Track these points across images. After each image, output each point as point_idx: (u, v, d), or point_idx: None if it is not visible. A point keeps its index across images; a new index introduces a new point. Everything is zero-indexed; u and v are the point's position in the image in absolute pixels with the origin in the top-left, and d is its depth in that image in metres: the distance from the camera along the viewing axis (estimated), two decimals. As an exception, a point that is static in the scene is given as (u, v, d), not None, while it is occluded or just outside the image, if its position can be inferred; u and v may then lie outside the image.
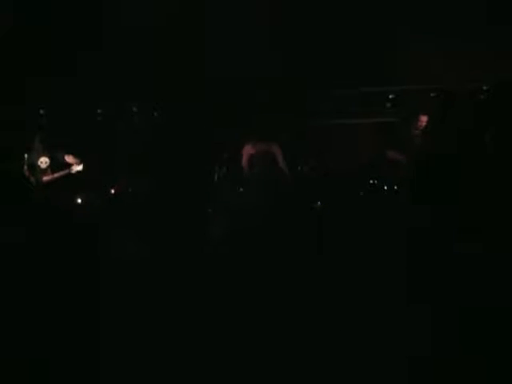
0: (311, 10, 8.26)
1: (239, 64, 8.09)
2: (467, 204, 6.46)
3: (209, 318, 4.12)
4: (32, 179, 7.43)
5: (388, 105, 8.20)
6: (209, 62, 8.11)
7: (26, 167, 7.44)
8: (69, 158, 7.51)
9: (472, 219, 6.15)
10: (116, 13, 7.90)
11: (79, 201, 7.74)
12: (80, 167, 7.52)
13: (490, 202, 6.47)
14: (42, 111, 7.89)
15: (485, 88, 7.90)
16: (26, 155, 7.41)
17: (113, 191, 7.94)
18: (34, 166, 7.47)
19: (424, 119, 7.44)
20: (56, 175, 7.52)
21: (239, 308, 4.30)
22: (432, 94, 8.05)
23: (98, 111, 8.15)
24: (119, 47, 7.93)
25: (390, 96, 8.13)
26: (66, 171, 7.51)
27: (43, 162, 7.54)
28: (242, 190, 7.66)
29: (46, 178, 7.50)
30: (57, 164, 7.55)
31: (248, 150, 7.29)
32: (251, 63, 8.09)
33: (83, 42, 7.77)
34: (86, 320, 4.13)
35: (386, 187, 7.37)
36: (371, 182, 7.37)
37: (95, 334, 3.88)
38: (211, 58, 8.09)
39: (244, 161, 7.33)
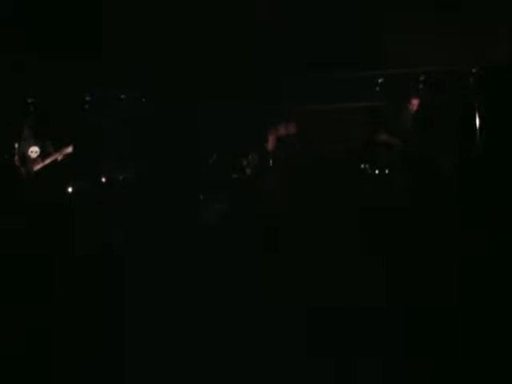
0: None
1: (228, 49, 8.04)
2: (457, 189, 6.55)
3: (202, 307, 4.14)
4: (22, 170, 7.37)
5: (377, 89, 8.18)
6: (197, 47, 8.04)
7: (16, 158, 7.39)
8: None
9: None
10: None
11: (70, 189, 7.71)
12: (69, 149, 7.46)
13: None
14: (29, 100, 7.74)
15: (474, 71, 7.91)
16: (15, 146, 7.36)
17: (104, 179, 7.90)
18: (24, 157, 7.41)
19: (415, 103, 7.48)
20: (46, 161, 7.46)
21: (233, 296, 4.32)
22: (421, 78, 8.05)
23: (86, 99, 8.03)
24: (108, 32, 7.85)
25: (379, 80, 8.11)
26: (56, 155, 7.45)
27: (33, 151, 7.48)
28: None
29: (36, 167, 7.45)
30: (46, 152, 7.50)
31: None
32: (239, 47, 8.04)
33: (73, 27, 7.66)
34: (81, 310, 4.15)
35: (376, 171, 7.41)
36: (362, 166, 7.40)
37: (92, 325, 3.89)
38: (199, 44, 8.02)
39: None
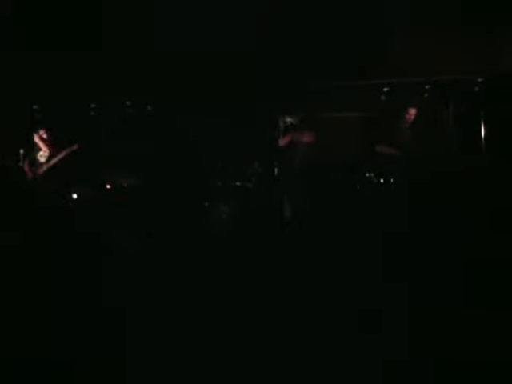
0: (304, 3, 8.23)
1: (234, 58, 8.07)
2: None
3: (208, 310, 4.14)
4: (30, 174, 7.41)
5: (382, 97, 8.18)
6: (203, 56, 8.06)
7: (25, 163, 7.42)
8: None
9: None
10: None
11: (75, 196, 7.73)
12: (75, 147, 7.48)
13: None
14: (35, 106, 7.78)
15: (480, 80, 7.91)
16: (21, 151, 7.38)
17: (108, 186, 7.91)
18: (34, 161, 7.46)
19: (413, 112, 7.46)
20: (52, 162, 7.49)
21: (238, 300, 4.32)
22: (426, 87, 8.05)
23: (92, 106, 8.05)
24: (114, 41, 7.87)
25: (385, 89, 8.11)
26: (62, 154, 7.48)
27: (42, 155, 7.52)
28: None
29: (42, 169, 7.48)
30: (52, 155, 7.53)
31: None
32: (244, 55, 8.06)
33: (78, 34, 7.68)
34: (85, 313, 4.14)
35: (382, 180, 7.40)
36: (367, 175, 7.40)
37: (95, 328, 3.88)
38: (205, 53, 8.04)
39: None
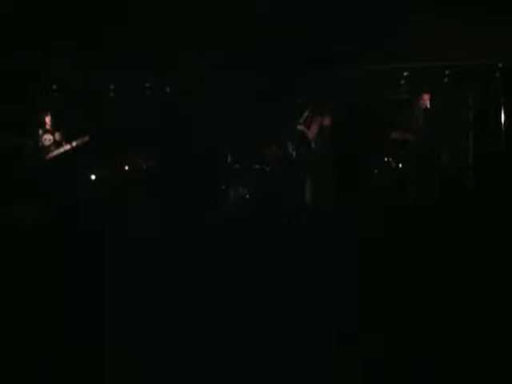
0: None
1: (252, 40, 8.00)
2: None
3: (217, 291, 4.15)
4: (34, 155, 7.42)
5: (402, 82, 8.13)
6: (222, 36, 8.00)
7: (29, 143, 7.44)
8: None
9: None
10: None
11: (93, 177, 7.76)
12: (86, 138, 7.49)
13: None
14: (54, 86, 7.77)
15: (500, 66, 7.84)
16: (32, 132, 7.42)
17: (127, 167, 7.94)
18: (37, 143, 7.45)
19: (426, 98, 7.45)
20: (61, 150, 7.50)
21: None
22: (446, 72, 7.99)
23: (111, 87, 8.03)
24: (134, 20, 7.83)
25: (405, 73, 8.05)
26: (71, 144, 7.49)
27: (47, 139, 7.51)
28: None
29: (50, 155, 7.49)
30: (60, 141, 7.54)
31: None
32: (264, 39, 8.00)
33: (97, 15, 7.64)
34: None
35: (400, 165, 7.41)
36: (386, 159, 7.40)
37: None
38: (227, 32, 7.98)
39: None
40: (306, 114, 7.51)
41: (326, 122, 7.48)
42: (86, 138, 7.53)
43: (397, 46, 7.95)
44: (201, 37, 7.79)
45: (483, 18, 7.83)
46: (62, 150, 7.51)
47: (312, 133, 7.43)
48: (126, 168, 7.91)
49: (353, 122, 7.73)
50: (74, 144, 7.49)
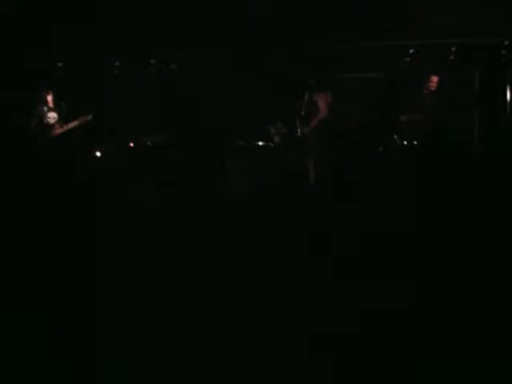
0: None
1: (253, 19, 8.00)
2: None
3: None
4: (39, 133, 7.45)
5: (407, 59, 8.10)
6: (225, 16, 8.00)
7: (34, 121, 7.46)
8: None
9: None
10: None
11: (98, 154, 7.79)
12: (89, 117, 7.51)
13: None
14: (60, 64, 7.79)
15: (506, 43, 7.80)
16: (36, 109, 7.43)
17: (131, 144, 7.96)
18: (42, 121, 7.47)
19: (435, 80, 7.42)
20: (65, 127, 7.53)
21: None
22: (452, 49, 7.95)
23: (116, 64, 8.04)
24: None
25: (411, 50, 8.02)
26: (75, 122, 7.51)
27: (51, 117, 7.53)
28: None
29: (55, 132, 7.52)
30: (64, 119, 7.56)
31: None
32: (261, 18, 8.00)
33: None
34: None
35: (405, 143, 7.40)
36: (394, 137, 7.39)
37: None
38: (229, 11, 7.98)
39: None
40: (306, 96, 7.40)
41: (329, 99, 7.43)
42: (89, 117, 7.54)
43: (398, 23, 7.93)
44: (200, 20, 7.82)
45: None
46: (66, 128, 7.54)
47: (322, 111, 7.34)
48: (131, 145, 7.94)
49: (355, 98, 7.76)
50: (78, 122, 7.51)
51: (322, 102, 7.35)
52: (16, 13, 7.96)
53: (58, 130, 7.55)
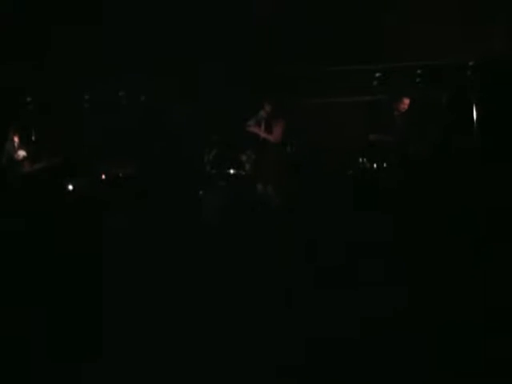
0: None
1: (228, 44, 8.08)
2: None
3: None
4: (9, 171, 7.40)
5: (375, 83, 8.19)
6: (196, 43, 8.07)
7: (4, 157, 7.41)
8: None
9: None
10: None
11: (70, 187, 7.77)
12: (58, 159, 7.46)
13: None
14: (28, 98, 7.80)
15: (471, 64, 7.91)
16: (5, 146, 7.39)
17: (103, 176, 7.95)
18: (10, 158, 7.41)
19: (407, 102, 7.46)
20: (35, 167, 7.46)
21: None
22: (418, 71, 8.05)
23: (86, 97, 8.07)
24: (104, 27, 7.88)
25: (377, 74, 8.11)
26: (45, 163, 7.45)
27: (20, 154, 7.46)
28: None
29: (25, 170, 7.45)
30: (35, 155, 7.52)
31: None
32: (240, 43, 8.07)
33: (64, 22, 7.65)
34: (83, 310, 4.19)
35: (375, 166, 7.44)
36: (360, 160, 7.43)
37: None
38: (198, 40, 8.06)
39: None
40: (260, 114, 7.19)
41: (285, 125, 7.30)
42: (58, 159, 7.48)
43: (370, 46, 8.03)
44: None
45: (454, 18, 7.94)
46: (35, 167, 7.45)
47: (275, 137, 7.19)
48: (103, 177, 7.93)
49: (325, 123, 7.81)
50: (47, 164, 7.43)
51: (278, 129, 7.24)
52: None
53: (28, 168, 7.48)
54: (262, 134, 7.15)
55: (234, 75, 8.14)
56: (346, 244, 5.34)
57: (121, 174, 7.90)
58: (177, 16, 7.92)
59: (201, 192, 7.69)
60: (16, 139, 7.44)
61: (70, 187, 7.78)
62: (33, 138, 7.59)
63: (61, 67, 7.73)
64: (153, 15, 7.85)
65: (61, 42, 7.70)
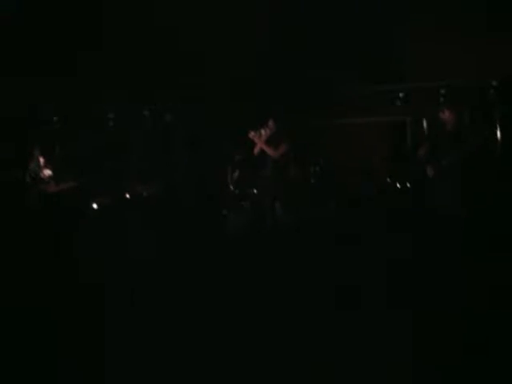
0: (318, 8, 8.27)
1: (243, 63, 8.12)
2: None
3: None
4: (34, 189, 7.45)
5: (398, 103, 8.21)
6: (213, 62, 8.13)
7: (28, 177, 7.46)
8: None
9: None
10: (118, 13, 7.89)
11: (95, 206, 7.83)
12: (84, 179, 7.54)
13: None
14: (55, 118, 7.89)
15: (494, 84, 7.92)
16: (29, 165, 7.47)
17: (128, 195, 8.01)
18: (36, 177, 7.47)
19: (447, 115, 7.42)
20: (61, 186, 7.54)
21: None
22: (442, 91, 8.06)
23: (110, 116, 8.16)
24: (124, 48, 7.95)
25: (400, 94, 8.13)
26: (71, 183, 7.53)
27: (45, 174, 7.51)
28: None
29: (51, 189, 7.50)
30: (59, 176, 7.60)
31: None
32: (256, 62, 8.12)
33: (89, 44, 7.74)
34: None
35: (398, 185, 7.45)
36: (388, 180, 7.45)
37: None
38: (215, 59, 8.11)
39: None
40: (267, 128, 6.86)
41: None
42: (86, 178, 7.56)
43: (391, 66, 8.06)
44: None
45: (476, 39, 7.95)
46: (59, 188, 7.52)
47: (275, 152, 6.76)
48: (127, 195, 7.99)
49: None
50: (70, 185, 7.51)
51: (281, 145, 6.76)
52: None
53: (53, 188, 7.53)
54: (260, 144, 6.89)
55: (262, 97, 8.17)
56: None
57: (145, 193, 7.96)
58: (205, 41, 7.96)
59: (224, 212, 7.72)
60: (41, 159, 7.52)
61: (95, 206, 7.85)
62: (57, 158, 7.62)
63: (87, 85, 7.80)
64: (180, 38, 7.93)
65: (87, 61, 7.77)
